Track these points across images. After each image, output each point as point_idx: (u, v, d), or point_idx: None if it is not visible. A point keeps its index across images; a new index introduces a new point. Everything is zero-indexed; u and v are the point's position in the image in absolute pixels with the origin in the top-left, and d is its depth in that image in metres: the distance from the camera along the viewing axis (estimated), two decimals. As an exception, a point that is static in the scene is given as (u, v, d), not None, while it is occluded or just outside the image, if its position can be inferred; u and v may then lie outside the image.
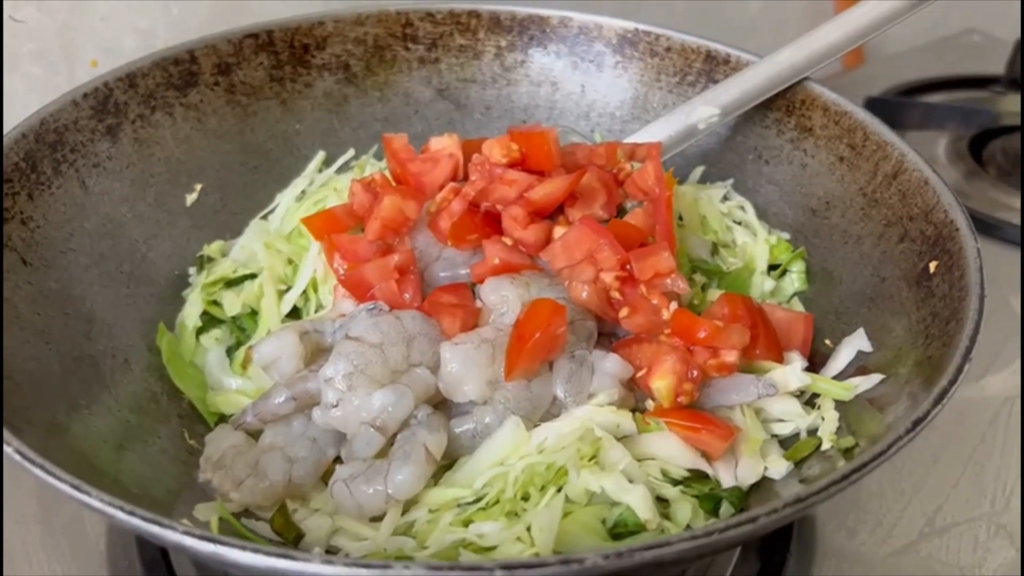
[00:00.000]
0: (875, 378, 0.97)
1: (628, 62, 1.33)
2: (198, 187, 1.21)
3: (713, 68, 1.28)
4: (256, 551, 0.66)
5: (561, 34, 1.34)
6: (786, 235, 1.21)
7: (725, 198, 1.26)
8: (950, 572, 1.09)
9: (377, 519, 0.90)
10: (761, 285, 1.16)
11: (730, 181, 1.27)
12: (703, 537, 0.66)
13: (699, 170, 1.30)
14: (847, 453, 0.90)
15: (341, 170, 1.27)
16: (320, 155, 1.29)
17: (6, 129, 1.06)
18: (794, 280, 1.17)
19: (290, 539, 0.91)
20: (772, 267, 1.19)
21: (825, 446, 0.94)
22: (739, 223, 1.23)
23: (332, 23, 1.30)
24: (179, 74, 1.21)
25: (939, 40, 2.32)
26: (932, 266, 0.99)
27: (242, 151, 1.26)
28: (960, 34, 2.36)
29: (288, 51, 1.28)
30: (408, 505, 0.90)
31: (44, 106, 1.10)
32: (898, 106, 1.92)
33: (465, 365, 0.93)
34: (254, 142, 1.27)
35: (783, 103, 1.23)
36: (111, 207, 1.13)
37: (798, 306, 1.16)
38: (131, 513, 0.69)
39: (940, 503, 1.16)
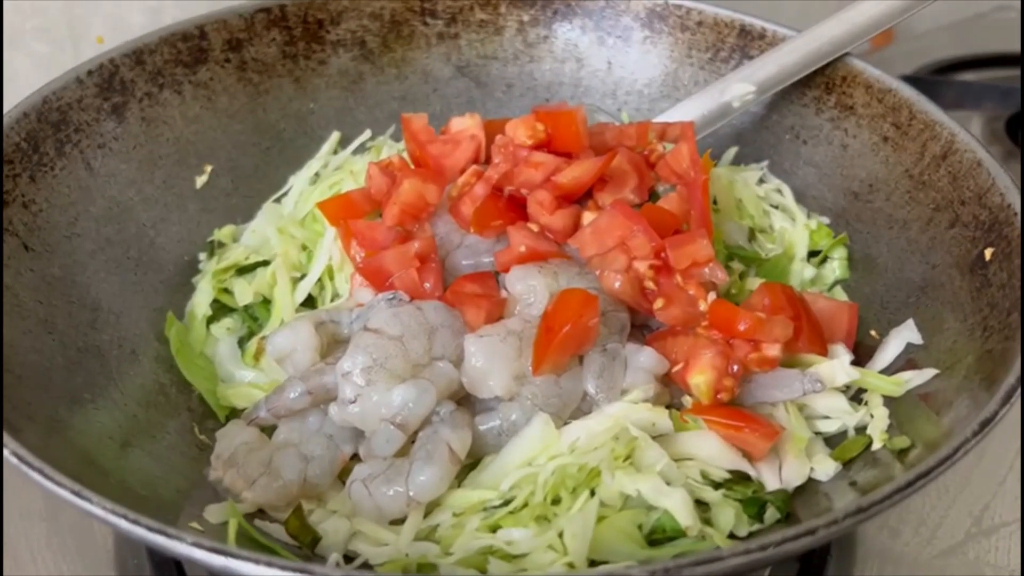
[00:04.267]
0: (928, 373, 0.92)
1: (657, 37, 1.27)
2: (208, 169, 1.18)
3: (747, 43, 1.23)
4: (270, 564, 0.62)
5: (587, 8, 1.29)
6: (826, 220, 1.16)
7: (761, 181, 1.20)
8: (1000, 575, 1.03)
9: (398, 522, 0.86)
10: (801, 273, 1.11)
11: (765, 163, 1.22)
12: (757, 551, 0.61)
13: (732, 151, 1.25)
14: (901, 454, 0.85)
15: (357, 151, 1.23)
16: (335, 135, 1.25)
17: (7, 108, 1.02)
18: (835, 268, 1.12)
19: (306, 543, 0.87)
20: (812, 254, 1.14)
21: (876, 446, 0.89)
22: (776, 207, 1.17)
23: (347, -3, 1.25)
24: (188, 50, 1.17)
25: (971, 17, 2.25)
26: (988, 253, 0.94)
27: (254, 131, 1.22)
28: (992, 11, 2.29)
29: (302, 26, 1.24)
30: (431, 507, 0.86)
31: (47, 84, 1.06)
32: (932, 85, 1.85)
33: (490, 359, 0.89)
34: (266, 122, 1.22)
35: (822, 80, 1.17)
36: (118, 190, 1.09)
37: (840, 295, 1.11)
38: (135, 522, 0.64)
39: (987, 501, 1.11)
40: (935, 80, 1.89)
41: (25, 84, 1.28)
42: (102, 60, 1.11)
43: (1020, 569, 1.03)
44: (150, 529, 0.64)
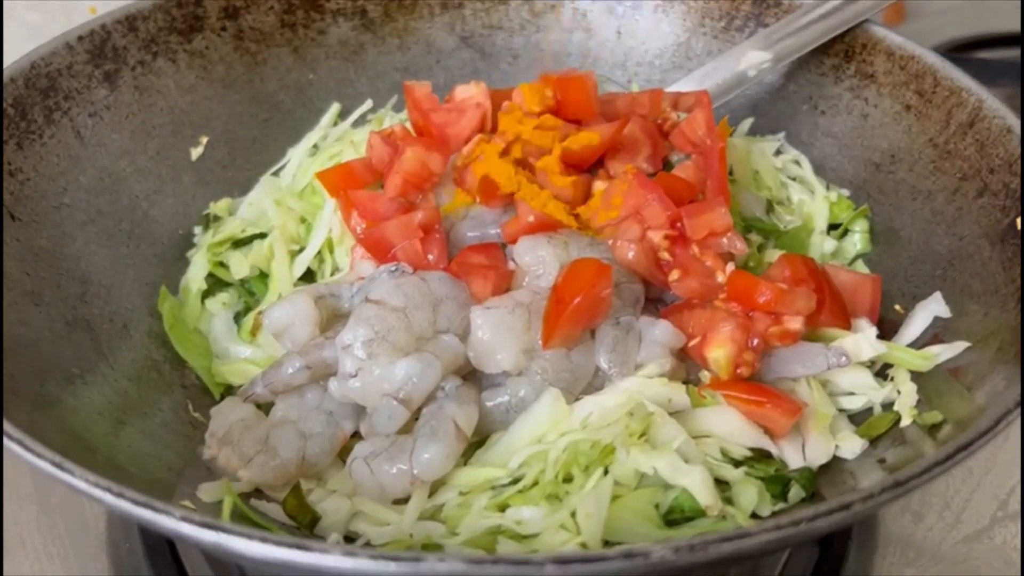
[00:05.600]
0: (959, 346, 0.88)
1: (669, 5, 1.24)
2: (204, 140, 1.15)
3: (763, 11, 1.19)
4: (264, 540, 0.58)
5: (596, -25, 1.25)
6: (846, 192, 1.12)
7: (778, 152, 1.17)
8: (1028, 561, 1.00)
9: (401, 502, 0.83)
10: (821, 246, 1.08)
11: (782, 134, 1.19)
12: (789, 527, 0.57)
13: (748, 122, 1.21)
14: (932, 430, 0.81)
15: (357, 123, 1.20)
16: (335, 107, 1.21)
17: (-5, 74, 0.99)
18: (856, 241, 1.09)
19: (304, 523, 0.84)
20: (832, 227, 1.10)
21: (905, 422, 0.86)
22: (794, 179, 1.14)
23: (348, -37, 1.22)
24: (183, 18, 1.14)
25: (984, -6, 2.21)
26: (1019, 222, 0.90)
27: (251, 102, 1.19)
28: (1006, -11, 2.25)
29: (301, -6, 1.21)
30: (435, 486, 0.83)
31: (35, 49, 1.03)
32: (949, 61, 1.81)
33: (498, 332, 0.85)
34: (264, 92, 1.19)
35: (842, 48, 1.14)
36: (109, 160, 1.06)
37: (862, 269, 1.07)
38: (120, 495, 0.60)
39: (1013, 484, 1.07)
40: (950, 57, 1.84)
41: (17, 55, 1.25)
42: (93, 26, 1.08)
43: (1020, 568, 0.99)
44: (136, 503, 0.60)
